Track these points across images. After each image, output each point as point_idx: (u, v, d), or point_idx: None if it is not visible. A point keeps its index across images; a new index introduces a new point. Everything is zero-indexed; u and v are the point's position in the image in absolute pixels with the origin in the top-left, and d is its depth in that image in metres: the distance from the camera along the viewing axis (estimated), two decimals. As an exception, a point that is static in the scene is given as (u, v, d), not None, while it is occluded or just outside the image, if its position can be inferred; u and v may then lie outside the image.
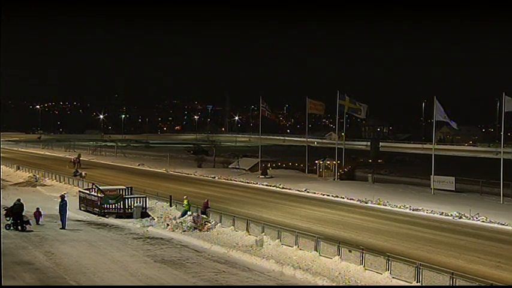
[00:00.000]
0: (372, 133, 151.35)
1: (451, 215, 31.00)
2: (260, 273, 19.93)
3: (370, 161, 69.86)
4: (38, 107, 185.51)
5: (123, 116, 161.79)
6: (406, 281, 18.32)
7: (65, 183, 46.06)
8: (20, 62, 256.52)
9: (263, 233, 24.82)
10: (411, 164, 68.19)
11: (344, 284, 18.85)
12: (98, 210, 32.73)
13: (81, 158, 62.00)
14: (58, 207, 28.63)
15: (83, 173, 47.69)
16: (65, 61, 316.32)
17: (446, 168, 44.89)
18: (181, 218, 29.16)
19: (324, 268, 20.31)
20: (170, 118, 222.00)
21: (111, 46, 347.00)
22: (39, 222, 28.23)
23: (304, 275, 19.57)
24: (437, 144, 57.47)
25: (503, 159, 37.52)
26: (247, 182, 47.73)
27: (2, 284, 16.13)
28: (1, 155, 60.16)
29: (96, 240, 25.13)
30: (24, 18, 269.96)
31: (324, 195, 39.64)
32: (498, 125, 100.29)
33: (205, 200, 30.86)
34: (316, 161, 52.93)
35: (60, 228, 27.61)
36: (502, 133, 45.11)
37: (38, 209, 28.83)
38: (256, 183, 46.89)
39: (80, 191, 36.53)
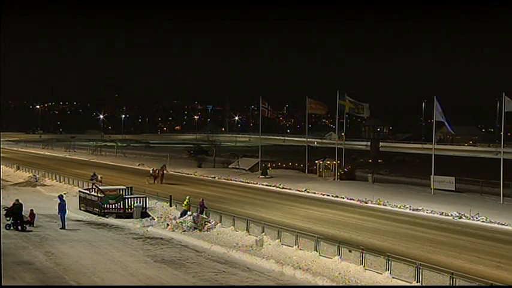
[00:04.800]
0: (372, 133, 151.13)
1: (451, 215, 31.00)
2: (260, 273, 19.93)
3: (370, 161, 69.89)
4: (38, 107, 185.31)
5: (123, 116, 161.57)
6: (406, 281, 18.30)
7: (65, 183, 46.08)
8: (20, 62, 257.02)
9: (263, 233, 24.82)
10: (411, 164, 68.19)
11: (344, 284, 18.85)
12: (98, 210, 32.74)
13: (165, 171, 49.84)
14: (57, 207, 28.61)
15: (99, 177, 47.20)
16: (66, 61, 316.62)
17: (446, 168, 44.82)
18: (181, 218, 29.17)
19: (324, 268, 20.30)
20: (170, 118, 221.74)
21: (111, 46, 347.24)
22: (34, 224, 27.58)
23: (304, 275, 19.57)
24: (437, 144, 57.36)
25: (503, 159, 37.49)
26: (247, 182, 47.73)
27: (2, 284, 16.13)
28: (1, 155, 60.16)
29: (96, 240, 25.15)
30: (23, 17, 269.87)
31: (324, 195, 39.64)
32: (498, 125, 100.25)
33: (201, 200, 30.82)
34: (316, 161, 52.91)
35: (60, 228, 27.60)
36: (502, 133, 45.04)
37: (32, 210, 27.96)
38: (256, 183, 46.89)
39: (80, 191, 36.52)
